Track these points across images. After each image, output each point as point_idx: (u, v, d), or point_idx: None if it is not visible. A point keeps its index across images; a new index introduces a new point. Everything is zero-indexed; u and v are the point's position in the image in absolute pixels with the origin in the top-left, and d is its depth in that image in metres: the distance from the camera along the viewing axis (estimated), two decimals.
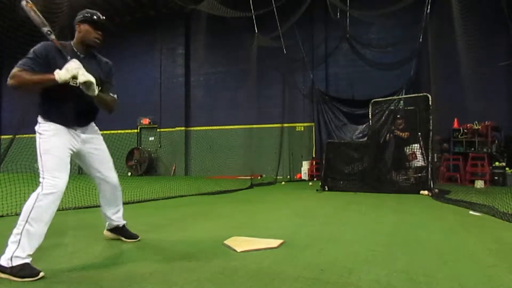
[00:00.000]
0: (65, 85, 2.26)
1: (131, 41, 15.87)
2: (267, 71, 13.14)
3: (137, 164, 15.10)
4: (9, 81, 2.19)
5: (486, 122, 9.76)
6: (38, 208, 2.12)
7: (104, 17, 2.52)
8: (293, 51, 12.87)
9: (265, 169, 13.54)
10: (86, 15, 2.46)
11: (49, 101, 2.36)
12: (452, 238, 3.10)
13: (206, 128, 15.09)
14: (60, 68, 2.21)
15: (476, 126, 9.86)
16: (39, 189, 2.18)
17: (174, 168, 15.30)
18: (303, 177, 12.29)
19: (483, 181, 8.66)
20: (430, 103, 7.56)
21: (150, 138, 16.08)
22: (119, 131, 15.06)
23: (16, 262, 2.03)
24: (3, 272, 2.02)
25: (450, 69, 7.81)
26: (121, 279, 1.99)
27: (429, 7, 9.52)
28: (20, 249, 2.06)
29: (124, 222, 2.97)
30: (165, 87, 15.85)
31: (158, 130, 15.85)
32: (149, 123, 15.92)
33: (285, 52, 12.65)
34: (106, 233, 3.01)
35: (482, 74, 9.17)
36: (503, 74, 10.86)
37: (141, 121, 15.99)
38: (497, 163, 9.25)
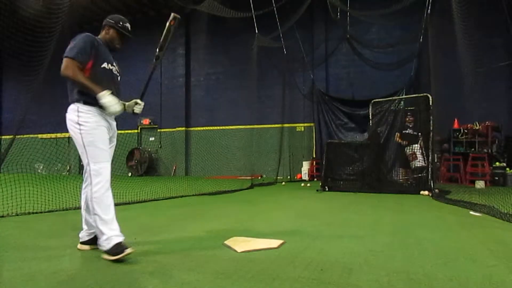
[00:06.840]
0: (105, 71, 2.56)
1: (131, 41, 15.80)
2: (267, 71, 13.14)
3: (137, 164, 15.10)
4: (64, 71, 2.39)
5: (486, 122, 9.76)
6: (96, 197, 2.37)
7: (130, 28, 2.82)
8: (293, 51, 12.87)
9: (265, 169, 13.55)
10: (119, 24, 2.73)
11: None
12: (452, 238, 3.10)
13: (206, 128, 15.09)
14: (103, 56, 2.58)
15: (476, 126, 9.85)
16: (88, 180, 2.41)
17: (174, 168, 15.31)
18: (303, 177, 12.29)
19: (483, 181, 8.66)
20: (430, 103, 7.56)
21: (151, 139, 16.09)
22: (120, 131, 14.82)
23: (113, 241, 2.32)
24: (107, 253, 2.31)
25: (450, 69, 7.80)
26: (121, 279, 1.99)
27: (429, 7, 9.52)
28: (104, 234, 2.35)
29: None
30: (165, 87, 15.85)
31: (158, 130, 15.86)
32: (150, 123, 15.93)
33: (285, 52, 12.65)
34: (83, 246, 2.62)
35: (482, 74, 9.17)
36: (503, 74, 10.86)
37: (142, 121, 16.00)
38: (497, 163, 9.25)
